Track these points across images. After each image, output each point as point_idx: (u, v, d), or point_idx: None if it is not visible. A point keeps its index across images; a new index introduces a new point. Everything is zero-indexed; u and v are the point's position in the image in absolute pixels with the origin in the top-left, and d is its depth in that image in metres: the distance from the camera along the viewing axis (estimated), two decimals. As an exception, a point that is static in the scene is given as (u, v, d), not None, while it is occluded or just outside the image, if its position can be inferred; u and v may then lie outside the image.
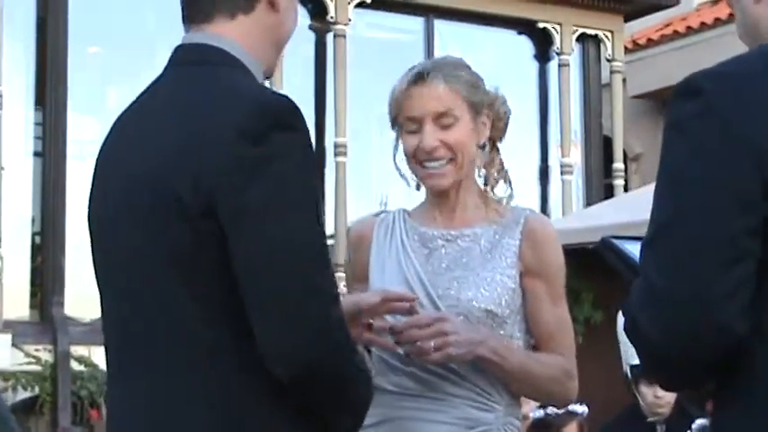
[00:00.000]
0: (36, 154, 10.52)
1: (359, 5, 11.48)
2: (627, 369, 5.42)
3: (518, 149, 11.24)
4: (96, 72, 10.89)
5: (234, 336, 2.12)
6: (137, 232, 2.19)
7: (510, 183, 2.94)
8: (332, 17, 11.35)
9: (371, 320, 2.69)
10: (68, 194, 10.12)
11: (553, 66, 12.68)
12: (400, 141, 2.89)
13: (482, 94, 2.87)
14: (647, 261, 1.86)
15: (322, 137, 11.46)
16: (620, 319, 5.09)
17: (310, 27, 11.56)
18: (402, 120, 2.85)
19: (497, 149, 2.94)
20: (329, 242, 11.15)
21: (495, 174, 2.93)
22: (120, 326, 2.26)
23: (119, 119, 2.36)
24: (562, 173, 12.39)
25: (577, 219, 10.03)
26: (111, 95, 11.12)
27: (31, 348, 9.77)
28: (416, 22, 12.08)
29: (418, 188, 2.94)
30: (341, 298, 2.21)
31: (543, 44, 12.64)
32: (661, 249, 1.83)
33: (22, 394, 9.57)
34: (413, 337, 2.66)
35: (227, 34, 2.28)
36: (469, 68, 2.89)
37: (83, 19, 10.50)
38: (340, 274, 9.79)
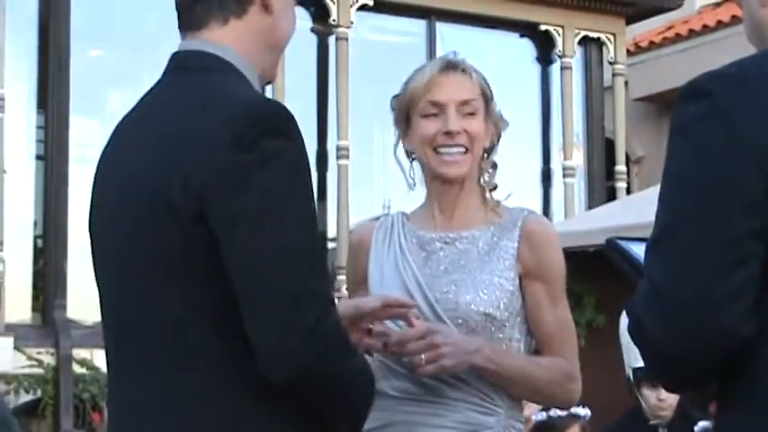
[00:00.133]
0: (38, 157, 10.54)
1: (361, 8, 11.49)
2: (629, 372, 5.41)
3: (520, 152, 11.29)
4: (98, 75, 10.89)
5: (225, 338, 2.14)
6: (130, 235, 2.22)
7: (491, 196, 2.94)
8: (334, 20, 11.36)
9: (371, 325, 2.69)
10: (70, 197, 10.13)
11: (555, 68, 12.68)
12: (408, 133, 2.89)
13: (493, 98, 2.92)
14: (651, 262, 1.86)
15: (324, 140, 11.47)
16: (623, 321, 5.09)
17: (312, 30, 11.57)
18: (423, 105, 2.86)
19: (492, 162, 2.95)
20: (331, 245, 11.16)
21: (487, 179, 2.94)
22: (116, 326, 2.29)
23: (118, 126, 2.39)
24: (564, 175, 12.39)
25: (579, 221, 10.04)
26: (113, 99, 11.12)
27: (33, 351, 9.78)
28: (418, 25, 12.09)
29: (413, 187, 2.94)
30: (342, 301, 2.21)
31: (545, 47, 12.65)
32: (665, 251, 1.83)
33: (25, 397, 9.58)
34: (404, 351, 2.67)
35: (221, 40, 2.30)
36: None
37: (85, 22, 10.51)
38: (342, 277, 9.78)
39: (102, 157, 2.38)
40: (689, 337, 1.80)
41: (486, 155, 2.91)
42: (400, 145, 2.94)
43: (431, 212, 2.92)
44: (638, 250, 2.06)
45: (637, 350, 1.94)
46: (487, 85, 2.92)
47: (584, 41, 12.73)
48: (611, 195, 12.59)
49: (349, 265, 3.08)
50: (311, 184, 2.19)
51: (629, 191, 12.90)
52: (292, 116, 2.17)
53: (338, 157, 11.19)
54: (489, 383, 2.75)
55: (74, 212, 9.97)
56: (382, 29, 12.10)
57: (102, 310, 2.34)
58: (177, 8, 2.36)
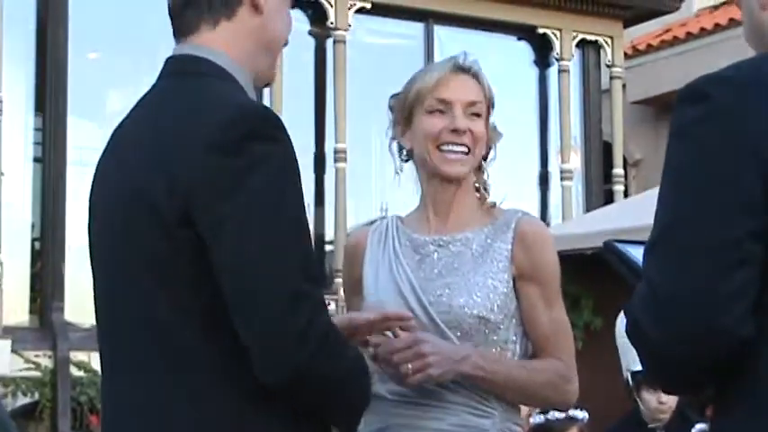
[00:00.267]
0: (36, 159, 10.53)
1: (359, 11, 11.50)
2: (627, 375, 5.42)
3: (518, 155, 11.29)
4: (96, 78, 10.90)
5: (216, 340, 2.14)
6: (121, 237, 2.23)
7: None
8: (332, 23, 11.36)
9: (369, 337, 2.69)
10: (68, 200, 10.13)
11: (553, 71, 12.69)
12: (408, 131, 2.89)
13: (494, 107, 2.94)
14: (649, 263, 1.86)
15: (322, 142, 11.47)
16: (620, 323, 5.09)
17: (310, 33, 11.58)
18: (430, 102, 2.86)
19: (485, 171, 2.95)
20: (328, 248, 11.16)
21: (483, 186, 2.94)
22: (109, 327, 2.31)
23: (116, 129, 2.40)
24: (562, 178, 12.40)
25: (577, 224, 10.03)
26: (111, 101, 11.13)
27: (30, 354, 9.78)
28: (416, 28, 12.09)
29: (400, 171, 2.93)
30: (334, 318, 2.22)
31: (543, 50, 12.66)
32: (664, 252, 1.84)
33: (22, 400, 9.58)
34: (390, 362, 2.67)
35: (212, 43, 2.31)
36: None
37: (83, 25, 10.51)
38: (339, 280, 9.78)
39: (100, 159, 2.39)
40: (687, 338, 1.80)
41: (482, 161, 2.92)
42: (394, 144, 2.94)
43: (425, 215, 2.92)
44: (636, 253, 2.07)
45: (634, 352, 1.94)
46: (491, 93, 2.93)
47: (582, 44, 12.74)
48: (609, 198, 12.60)
49: (345, 268, 3.08)
50: (301, 187, 2.19)
51: (626, 194, 12.92)
52: (280, 121, 2.18)
53: (336, 160, 11.19)
54: (485, 386, 2.76)
55: (71, 215, 9.97)
56: (380, 32, 12.10)
57: (96, 312, 2.35)
58: (170, 14, 2.37)
